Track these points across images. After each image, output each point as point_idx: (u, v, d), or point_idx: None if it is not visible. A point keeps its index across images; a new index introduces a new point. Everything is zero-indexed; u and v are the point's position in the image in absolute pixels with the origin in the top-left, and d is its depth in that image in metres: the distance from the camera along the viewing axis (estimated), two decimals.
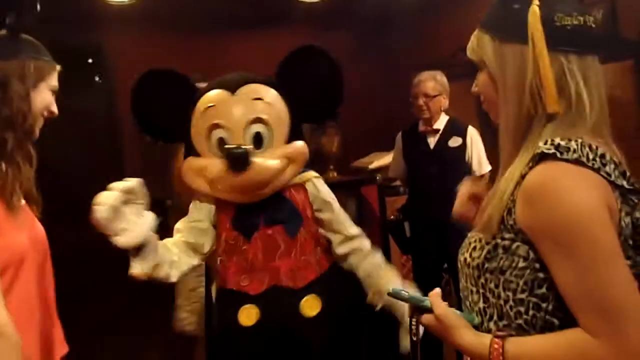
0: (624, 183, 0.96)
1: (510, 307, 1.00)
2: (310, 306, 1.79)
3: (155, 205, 1.54)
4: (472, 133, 3.34)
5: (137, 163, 5.31)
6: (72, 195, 5.70)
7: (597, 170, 0.94)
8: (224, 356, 1.81)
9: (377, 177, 4.13)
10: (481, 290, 1.04)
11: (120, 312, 4.93)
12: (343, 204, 3.85)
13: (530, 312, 0.98)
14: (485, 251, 1.02)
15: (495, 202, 1.02)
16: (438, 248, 3.31)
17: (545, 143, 0.96)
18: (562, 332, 0.95)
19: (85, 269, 5.52)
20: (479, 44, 1.09)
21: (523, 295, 0.98)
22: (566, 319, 0.95)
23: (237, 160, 1.63)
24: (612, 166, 0.96)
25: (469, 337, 1.01)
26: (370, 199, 4.05)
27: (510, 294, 0.99)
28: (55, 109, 1.51)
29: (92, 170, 5.85)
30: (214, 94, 1.79)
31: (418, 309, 1.09)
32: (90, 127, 5.96)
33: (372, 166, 4.27)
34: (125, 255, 1.54)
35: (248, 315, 1.74)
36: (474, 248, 1.05)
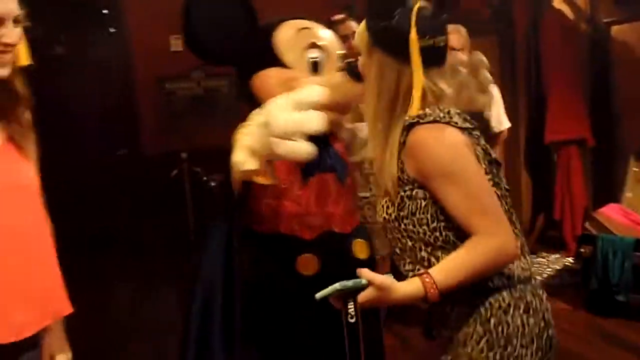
0: (467, 125, 1.33)
1: (429, 236, 1.31)
2: (361, 250, 1.82)
3: (169, 157, 1.51)
4: (493, 89, 3.27)
5: (152, 113, 5.31)
6: (88, 141, 5.78)
7: (448, 123, 1.29)
8: (279, 305, 1.76)
9: None
10: (404, 234, 1.34)
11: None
12: None
13: (444, 233, 1.30)
14: (396, 205, 1.33)
15: (387, 169, 1.34)
16: None
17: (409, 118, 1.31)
18: (463, 245, 1.27)
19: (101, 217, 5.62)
20: (363, 39, 1.38)
21: (434, 224, 1.30)
22: (458, 232, 1.29)
23: (358, 72, 1.68)
24: (457, 117, 1.32)
25: (404, 288, 1.25)
26: None
27: (425, 227, 1.31)
28: (6, 39, 1.29)
29: (106, 120, 5.89)
30: (301, 20, 1.84)
31: (351, 293, 1.21)
32: (105, 77, 5.95)
33: None
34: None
35: (306, 264, 1.72)
36: (387, 207, 1.36)
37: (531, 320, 1.31)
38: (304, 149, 1.35)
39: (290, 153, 1.35)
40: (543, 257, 4.58)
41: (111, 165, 5.87)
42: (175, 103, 5.31)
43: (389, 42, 1.33)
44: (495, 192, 1.32)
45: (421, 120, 1.28)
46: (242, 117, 1.59)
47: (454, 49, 3.18)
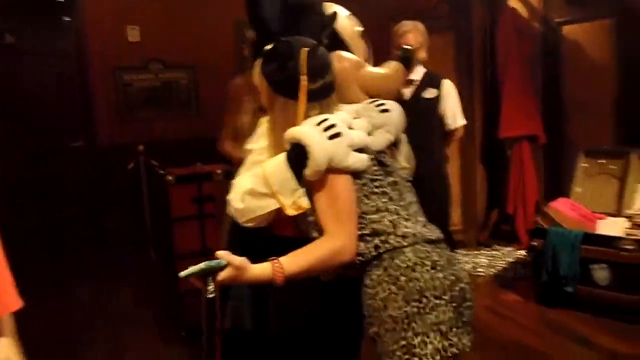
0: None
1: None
2: None
3: (125, 149, 1.49)
4: (448, 86, 3.31)
5: (108, 105, 5.21)
6: (42, 133, 5.62)
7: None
8: (306, 311, 1.78)
9: None
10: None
11: None
12: None
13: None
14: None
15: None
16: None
17: None
18: (314, 240, 1.47)
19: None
20: (261, 81, 1.58)
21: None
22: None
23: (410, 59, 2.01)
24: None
25: (256, 269, 1.40)
26: None
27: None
28: None
29: (61, 111, 5.75)
30: None
31: (211, 272, 1.35)
32: (59, 68, 5.80)
33: None
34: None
35: None
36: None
37: (440, 275, 1.46)
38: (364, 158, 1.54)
39: (358, 162, 1.51)
40: (497, 250, 4.70)
41: (66, 156, 5.74)
42: (131, 95, 5.23)
43: (283, 87, 1.53)
44: (374, 193, 1.53)
45: None
46: (201, 111, 1.59)
47: (411, 46, 3.23)
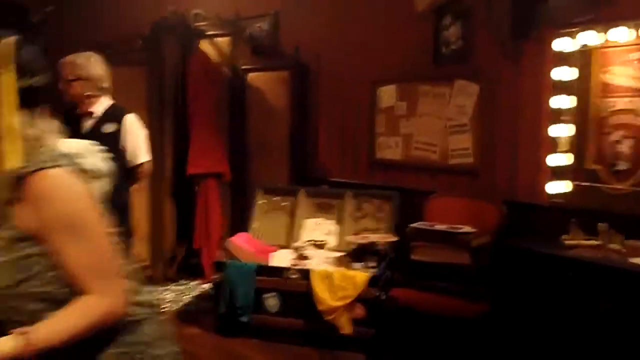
0: (81, 166, 1.25)
1: (54, 293, 1.20)
2: None
3: None
4: (131, 120, 3.26)
5: None
6: None
7: (62, 166, 1.20)
8: None
9: None
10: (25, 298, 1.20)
11: None
12: None
13: (63, 290, 1.19)
14: (11, 270, 1.20)
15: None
16: None
17: None
18: (71, 302, 1.18)
19: None
20: None
21: (57, 282, 1.19)
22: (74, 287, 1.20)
23: None
24: (67, 158, 1.22)
25: (2, 344, 1.12)
26: None
27: (51, 285, 1.20)
28: None
29: None
30: None
31: None
32: None
33: None
34: None
35: None
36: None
37: (175, 348, 1.37)
38: None
39: None
40: (184, 285, 4.77)
41: None
42: None
43: None
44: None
45: (33, 168, 1.17)
46: None
47: (67, 79, 3.14)
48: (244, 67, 5.04)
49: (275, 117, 4.87)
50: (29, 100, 1.21)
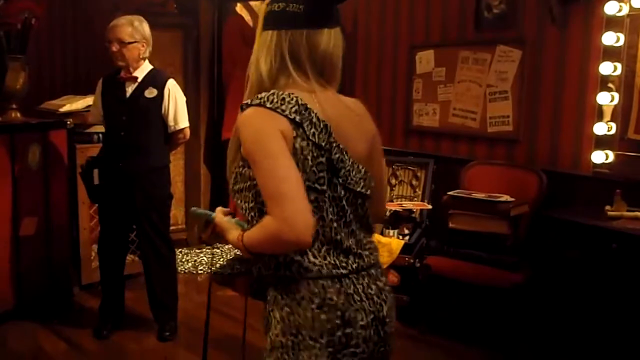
0: (296, 117, 1.31)
1: (249, 214, 1.36)
2: None
3: None
4: (172, 86, 3.28)
5: None
6: None
7: (275, 109, 1.30)
8: None
9: (68, 122, 3.83)
10: (241, 205, 1.38)
11: None
12: (27, 147, 3.55)
13: (257, 215, 1.34)
14: (232, 178, 1.40)
15: (232, 140, 1.40)
16: (123, 200, 3.24)
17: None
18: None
19: None
20: None
21: (252, 204, 1.35)
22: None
23: None
24: (291, 106, 1.31)
25: (232, 235, 1.40)
26: (58, 145, 3.75)
27: (246, 204, 1.36)
28: None
29: None
30: None
31: (207, 221, 1.52)
32: None
33: (62, 110, 3.94)
34: None
35: None
36: (232, 176, 1.41)
37: (323, 317, 1.34)
38: None
39: None
40: (218, 248, 4.84)
41: None
42: None
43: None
44: (315, 187, 1.32)
45: (250, 103, 1.33)
46: None
47: (123, 41, 3.14)
48: None
49: None
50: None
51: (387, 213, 3.74)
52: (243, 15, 5.02)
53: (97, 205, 3.55)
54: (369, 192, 1.43)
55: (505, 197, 3.21)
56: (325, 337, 1.33)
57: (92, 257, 3.97)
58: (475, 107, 3.89)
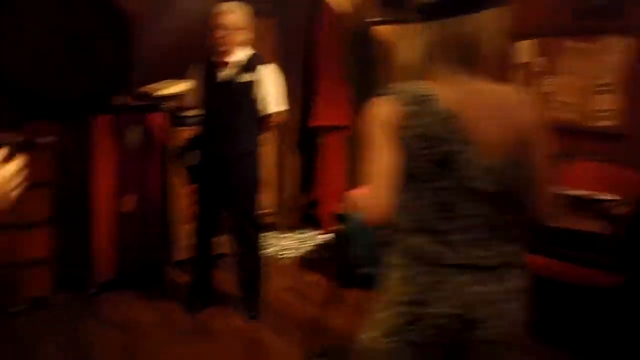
0: (411, 108, 1.37)
1: None
2: None
3: None
4: (268, 70, 3.34)
5: None
6: None
7: (393, 99, 1.39)
8: None
9: (165, 105, 3.99)
10: None
11: None
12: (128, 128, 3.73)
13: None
14: None
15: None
16: (218, 182, 3.32)
17: None
18: None
19: None
20: None
21: None
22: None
23: None
24: (410, 96, 1.38)
25: None
26: (157, 127, 3.91)
27: None
28: None
29: None
30: None
31: None
32: None
33: (159, 93, 4.09)
34: None
35: None
36: None
37: (401, 289, 1.45)
38: None
39: None
40: (304, 234, 4.89)
41: None
42: None
43: None
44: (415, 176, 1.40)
45: (380, 93, 1.45)
46: None
47: (228, 27, 3.21)
48: (373, 19, 4.94)
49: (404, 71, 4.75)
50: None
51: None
52: (336, 3, 5.00)
53: (191, 186, 3.67)
54: (497, 188, 1.38)
55: (608, 196, 3.03)
56: (393, 306, 1.46)
57: (182, 236, 4.12)
58: (578, 99, 3.69)
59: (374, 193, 1.36)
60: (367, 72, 4.99)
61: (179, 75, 4.22)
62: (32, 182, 3.24)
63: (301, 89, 5.02)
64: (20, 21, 3.36)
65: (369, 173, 1.38)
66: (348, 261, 3.73)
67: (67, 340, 3.08)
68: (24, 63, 3.41)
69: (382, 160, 1.37)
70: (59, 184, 3.50)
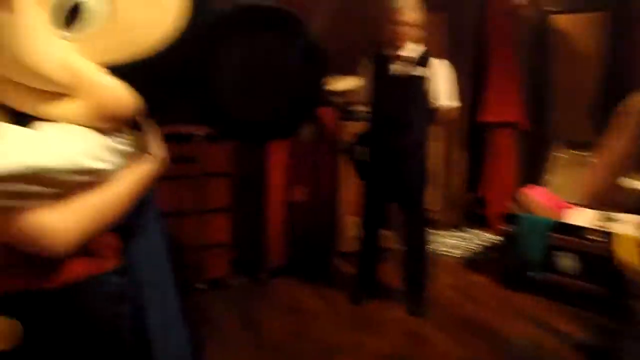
0: None
1: None
2: None
3: None
4: (441, 65, 3.32)
5: None
6: None
7: None
8: None
9: (335, 100, 4.11)
10: None
11: None
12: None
13: None
14: None
15: None
16: (388, 176, 3.36)
17: None
18: None
19: None
20: None
21: None
22: None
23: None
24: None
25: None
26: (327, 121, 4.05)
27: None
28: None
29: None
30: None
31: None
32: None
33: (329, 88, 4.22)
34: None
35: None
36: None
37: None
38: None
39: None
40: (469, 233, 4.77)
41: None
42: None
43: None
44: None
45: None
46: None
47: (408, 23, 3.23)
48: (548, 8, 4.66)
49: (584, 64, 4.43)
50: None
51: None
52: None
53: (360, 181, 3.74)
54: None
55: None
56: None
57: (349, 228, 4.22)
58: None
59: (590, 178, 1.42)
60: (542, 65, 4.72)
61: (347, 71, 4.33)
62: (216, 173, 3.53)
63: (470, 84, 4.89)
64: (233, 58, 3.64)
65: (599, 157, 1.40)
66: (517, 264, 3.57)
67: (242, 319, 3.31)
68: (236, 96, 3.71)
69: (613, 148, 1.42)
70: (238, 175, 3.78)
